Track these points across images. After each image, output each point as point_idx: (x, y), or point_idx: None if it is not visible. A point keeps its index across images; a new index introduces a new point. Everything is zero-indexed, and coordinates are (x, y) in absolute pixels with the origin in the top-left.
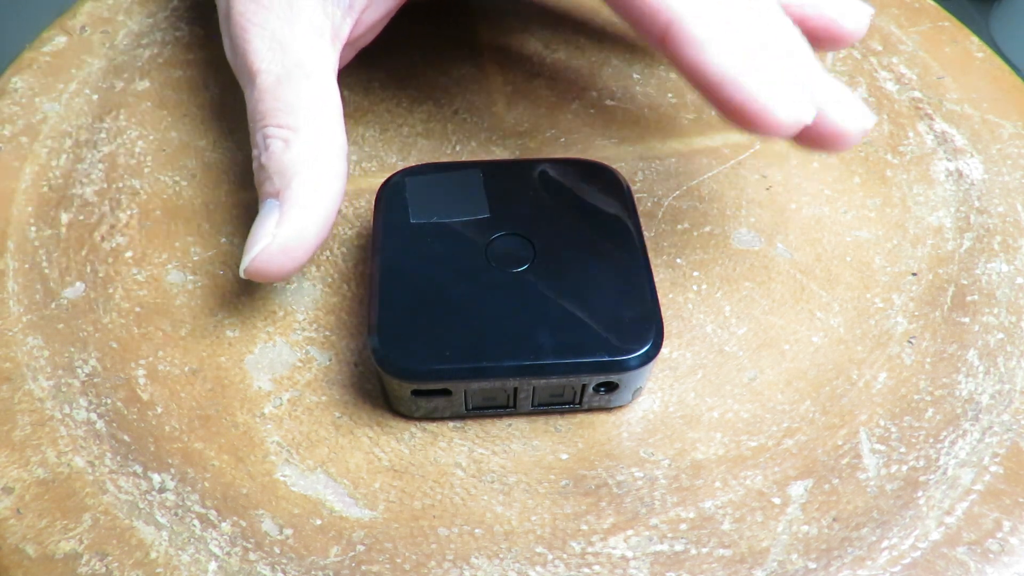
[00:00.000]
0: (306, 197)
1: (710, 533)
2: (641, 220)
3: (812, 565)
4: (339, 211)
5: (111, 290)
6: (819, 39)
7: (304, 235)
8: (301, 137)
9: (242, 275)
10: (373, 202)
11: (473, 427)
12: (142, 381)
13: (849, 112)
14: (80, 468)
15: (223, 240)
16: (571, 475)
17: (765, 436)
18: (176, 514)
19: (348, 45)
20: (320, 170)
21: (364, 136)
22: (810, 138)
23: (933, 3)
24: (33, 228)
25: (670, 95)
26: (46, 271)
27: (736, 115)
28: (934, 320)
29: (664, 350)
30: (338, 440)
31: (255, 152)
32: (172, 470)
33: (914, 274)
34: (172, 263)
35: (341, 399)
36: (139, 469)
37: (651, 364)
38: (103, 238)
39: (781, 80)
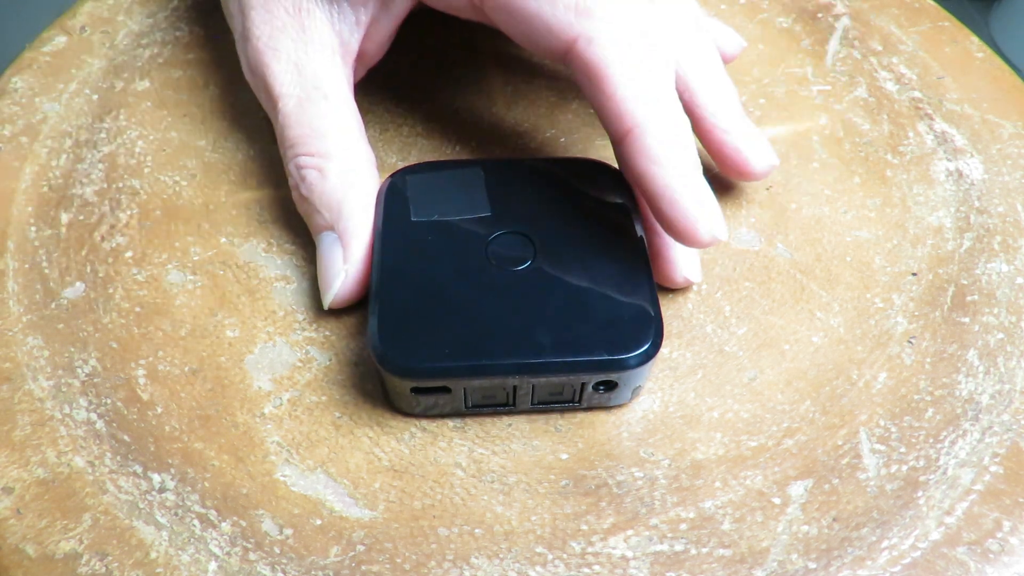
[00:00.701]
0: (360, 227)
1: (710, 533)
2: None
3: (812, 565)
4: None
5: (111, 290)
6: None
7: (366, 261)
8: (334, 165)
9: (326, 308)
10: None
11: (473, 427)
12: (142, 381)
13: (758, 153)
14: (80, 468)
15: (223, 240)
16: (571, 475)
17: (765, 436)
18: (176, 514)
19: (359, 61)
20: (362, 193)
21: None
22: (729, 169)
23: (933, 3)
24: (33, 228)
25: None
26: (46, 271)
27: (666, 224)
28: (934, 320)
29: (664, 350)
30: (338, 440)
31: (292, 182)
32: (172, 470)
33: (914, 274)
34: (172, 263)
35: (341, 399)
36: (139, 469)
37: (650, 363)
38: (103, 238)
39: (708, 201)
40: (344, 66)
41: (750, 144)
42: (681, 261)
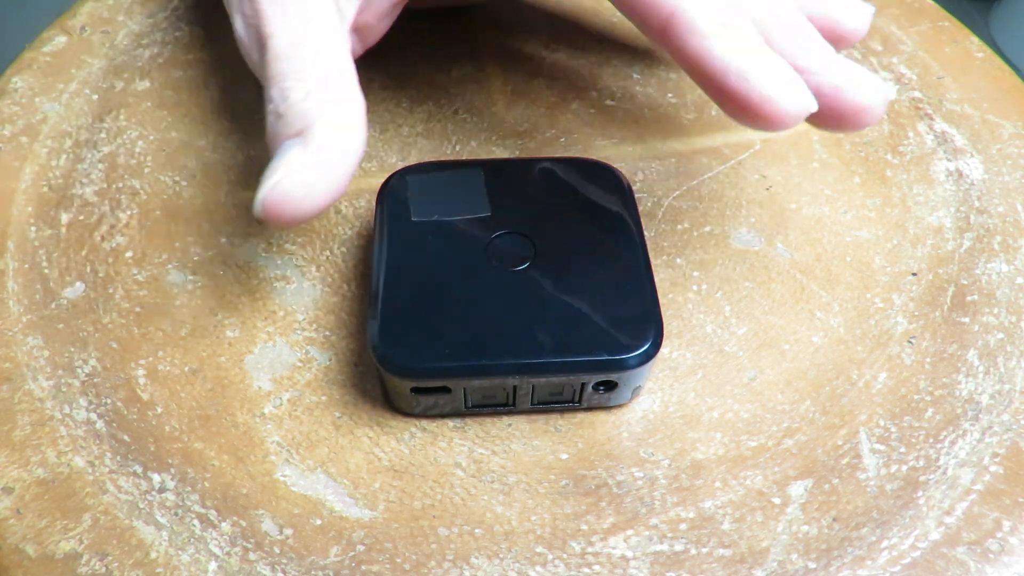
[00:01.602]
0: (330, 137)
1: (710, 533)
2: (641, 220)
3: (812, 565)
4: (339, 210)
5: (111, 290)
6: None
7: (327, 173)
8: (320, 87)
9: (256, 211)
10: (374, 202)
11: (473, 427)
12: (142, 381)
13: (866, 86)
14: (80, 468)
15: (223, 240)
16: (571, 475)
17: (765, 436)
18: (176, 514)
19: (357, 33)
20: (343, 115)
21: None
22: (834, 119)
23: (933, 3)
24: (33, 228)
25: (670, 95)
26: (46, 271)
27: (739, 106)
28: (934, 320)
29: (664, 350)
30: (338, 440)
31: (270, 107)
32: (172, 470)
33: (914, 274)
34: (172, 263)
35: (341, 399)
36: (139, 469)
37: (650, 363)
38: (103, 238)
39: (783, 70)
40: (341, 27)
41: (852, 79)
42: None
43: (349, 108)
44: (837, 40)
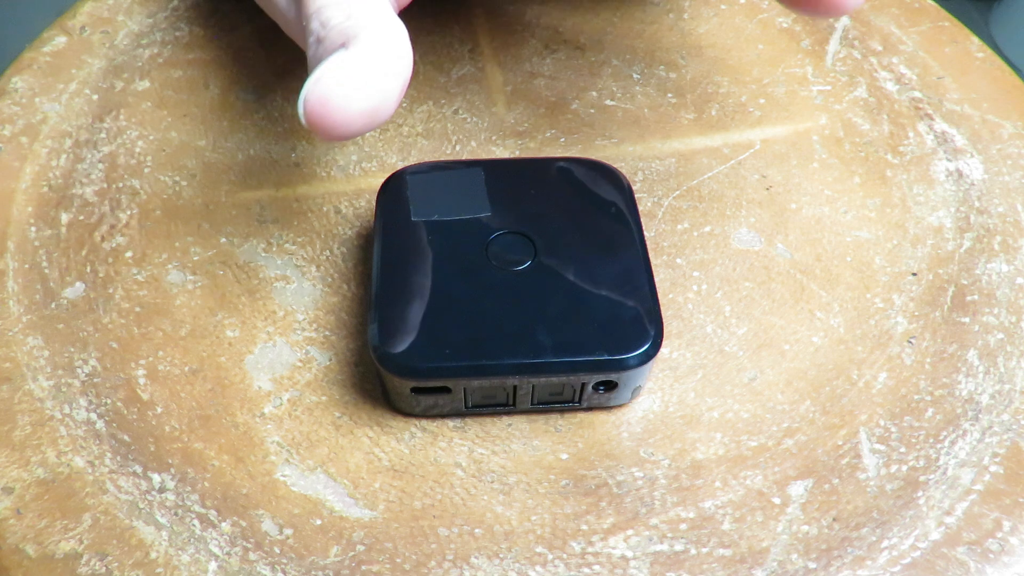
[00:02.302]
0: (377, 42)
1: (710, 533)
2: (641, 220)
3: (812, 565)
4: (339, 210)
5: (111, 290)
6: (818, 5)
7: (375, 76)
8: (362, 9)
9: (301, 115)
10: (374, 202)
11: (473, 427)
12: (142, 381)
13: None
14: (80, 468)
15: (223, 240)
16: (571, 475)
17: (765, 436)
18: (176, 514)
19: None
20: (389, 28)
21: (364, 136)
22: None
23: (933, 3)
24: (33, 228)
25: (670, 95)
26: (46, 271)
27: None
28: (934, 320)
29: (664, 350)
30: (338, 440)
31: (311, 39)
32: (172, 470)
33: (914, 274)
34: (172, 263)
35: (341, 399)
36: (139, 469)
37: (650, 363)
38: (103, 238)
39: None
40: None
41: None
42: None
43: (395, 26)
44: (835, 6)
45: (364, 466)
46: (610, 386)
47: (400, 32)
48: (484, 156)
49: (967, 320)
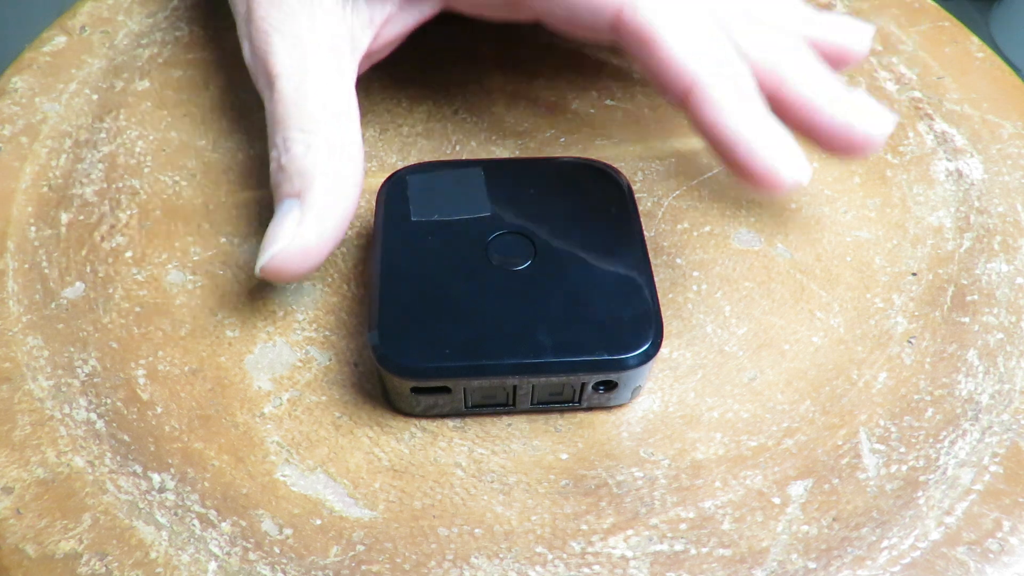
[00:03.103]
0: (327, 201)
1: (710, 533)
2: (641, 220)
3: (812, 565)
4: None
5: (111, 290)
6: (828, 63)
7: (323, 238)
8: (321, 141)
9: (258, 273)
10: (373, 201)
11: (473, 427)
12: (142, 381)
13: (873, 118)
14: (80, 468)
15: (223, 240)
16: (571, 475)
17: (765, 436)
18: (176, 514)
19: (365, 58)
20: (341, 175)
21: (364, 136)
22: (844, 149)
23: (933, 3)
24: (33, 228)
25: None
26: (46, 271)
27: (744, 175)
28: (934, 320)
29: (664, 350)
30: (338, 440)
31: (274, 154)
32: (172, 470)
33: (914, 274)
34: (172, 263)
35: (341, 399)
36: (139, 469)
37: (650, 363)
38: (103, 238)
39: (786, 144)
40: (352, 60)
41: (861, 112)
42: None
43: (348, 161)
44: (841, 62)
45: (364, 466)
46: (610, 386)
47: (353, 168)
48: (484, 156)
49: (967, 320)
